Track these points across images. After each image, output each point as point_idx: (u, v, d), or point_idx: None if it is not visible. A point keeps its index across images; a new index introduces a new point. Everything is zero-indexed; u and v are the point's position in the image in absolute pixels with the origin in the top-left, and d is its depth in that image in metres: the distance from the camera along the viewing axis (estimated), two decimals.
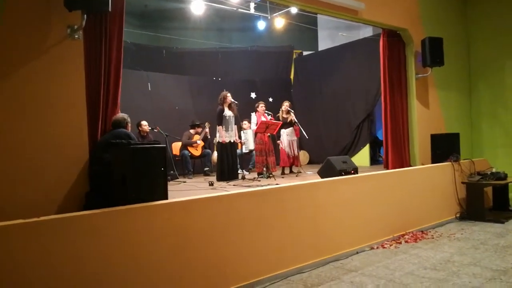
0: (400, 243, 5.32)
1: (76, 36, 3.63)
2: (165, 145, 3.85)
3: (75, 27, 3.60)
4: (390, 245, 5.21)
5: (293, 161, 7.81)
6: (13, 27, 3.34)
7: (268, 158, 7.12)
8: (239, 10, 8.27)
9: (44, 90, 3.47)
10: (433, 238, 5.55)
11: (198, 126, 8.38)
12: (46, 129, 3.45)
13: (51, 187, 3.42)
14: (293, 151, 7.74)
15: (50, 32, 3.52)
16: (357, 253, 4.93)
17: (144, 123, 7.50)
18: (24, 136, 3.35)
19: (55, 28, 3.55)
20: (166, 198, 3.61)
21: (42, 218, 2.94)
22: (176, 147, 8.42)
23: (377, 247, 5.15)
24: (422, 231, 5.82)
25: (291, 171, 7.89)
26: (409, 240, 5.40)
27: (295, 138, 7.78)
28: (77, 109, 3.65)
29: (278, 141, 7.80)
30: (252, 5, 8.24)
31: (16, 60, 3.35)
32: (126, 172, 3.41)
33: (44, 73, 3.47)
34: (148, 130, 7.51)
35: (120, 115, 4.10)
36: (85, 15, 3.56)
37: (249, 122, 8.36)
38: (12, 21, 3.33)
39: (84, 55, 3.73)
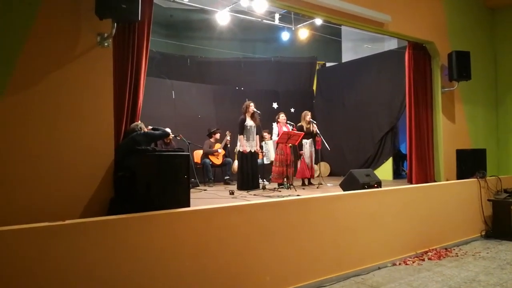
0: (423, 260, 5.19)
1: (106, 44, 3.70)
2: (188, 153, 3.88)
3: (105, 35, 3.68)
4: (413, 262, 5.09)
5: (311, 173, 7.75)
6: (44, 34, 3.42)
7: (288, 169, 7.09)
8: (264, 21, 8.32)
9: (74, 96, 3.53)
10: (457, 256, 5.40)
11: (215, 132, 8.44)
12: (74, 135, 3.51)
13: (77, 192, 3.47)
14: (311, 162, 7.70)
15: (81, 40, 3.59)
16: (379, 268, 4.83)
17: (167, 129, 7.56)
18: (53, 141, 3.41)
19: (85, 36, 3.61)
20: (189, 206, 3.62)
21: (67, 221, 2.99)
22: (197, 155, 8.49)
23: (400, 263, 5.04)
24: (446, 249, 5.68)
25: (309, 183, 7.83)
26: (432, 257, 5.26)
27: (313, 149, 7.75)
28: (105, 116, 3.70)
29: (301, 152, 7.76)
30: (277, 16, 8.28)
31: (46, 67, 3.42)
32: (151, 178, 3.45)
33: (74, 80, 3.54)
34: (171, 138, 7.58)
35: (135, 123, 4.13)
36: (115, 24, 3.63)
37: (269, 133, 8.35)
38: (44, 28, 3.41)
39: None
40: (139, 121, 4.21)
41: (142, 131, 4.09)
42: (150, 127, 4.48)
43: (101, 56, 3.70)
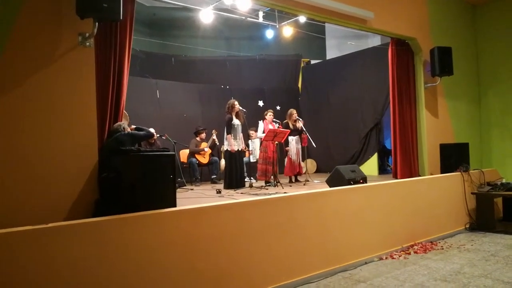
0: (409, 253, 5.25)
1: (88, 43, 3.65)
2: (174, 153, 3.85)
3: (87, 35, 3.63)
4: (399, 256, 5.15)
5: (298, 170, 7.78)
6: (25, 34, 3.37)
7: (274, 167, 7.10)
8: (248, 19, 8.30)
9: (56, 97, 3.48)
10: (442, 249, 5.48)
11: (201, 132, 8.40)
12: (57, 136, 3.46)
13: (61, 194, 3.43)
14: (298, 159, 7.74)
15: (62, 40, 3.55)
16: (366, 263, 4.88)
17: (151, 130, 7.51)
18: (36, 143, 3.36)
19: (67, 36, 3.57)
20: (175, 206, 3.60)
21: (50, 224, 2.94)
22: (183, 154, 8.44)
23: (386, 258, 5.09)
24: (431, 242, 5.75)
25: (296, 180, 7.86)
26: (418, 251, 5.33)
27: (300, 146, 7.78)
28: (88, 116, 3.66)
29: (287, 148, 7.79)
30: (260, 14, 8.25)
31: (28, 67, 3.37)
32: (135, 179, 3.42)
33: (56, 81, 3.49)
34: (156, 137, 7.52)
35: (118, 123, 4.09)
36: (97, 23, 3.59)
37: (255, 131, 8.35)
38: (25, 28, 3.37)
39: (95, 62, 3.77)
40: (123, 120, 4.17)
41: (126, 131, 4.05)
42: (133, 126, 4.44)
43: (83, 56, 3.66)
